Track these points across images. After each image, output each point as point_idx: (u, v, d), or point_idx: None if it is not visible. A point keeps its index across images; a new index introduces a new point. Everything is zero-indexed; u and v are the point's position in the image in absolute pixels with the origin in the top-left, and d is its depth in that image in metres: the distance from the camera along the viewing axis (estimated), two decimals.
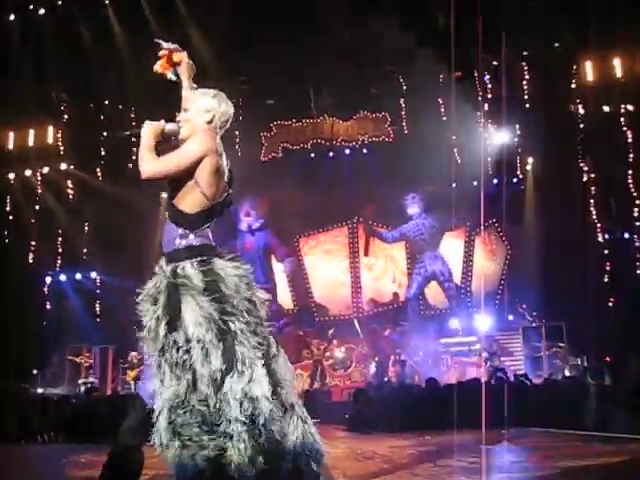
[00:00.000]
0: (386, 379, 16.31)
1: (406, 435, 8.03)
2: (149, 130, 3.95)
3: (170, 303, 3.73)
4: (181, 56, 4.24)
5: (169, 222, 3.92)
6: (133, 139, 4.22)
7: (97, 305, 20.56)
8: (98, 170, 20.61)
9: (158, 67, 4.25)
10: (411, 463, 5.14)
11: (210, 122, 4.04)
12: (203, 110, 4.05)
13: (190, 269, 3.78)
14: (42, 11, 17.19)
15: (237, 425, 3.49)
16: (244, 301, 3.80)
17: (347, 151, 21.09)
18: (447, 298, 19.79)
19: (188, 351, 3.62)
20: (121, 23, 17.75)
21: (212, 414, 3.55)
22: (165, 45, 4.25)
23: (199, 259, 3.81)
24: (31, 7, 17.06)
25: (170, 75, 4.27)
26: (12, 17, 16.82)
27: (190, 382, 3.59)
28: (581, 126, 18.23)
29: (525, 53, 19.03)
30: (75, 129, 19.78)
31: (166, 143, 4.01)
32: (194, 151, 3.88)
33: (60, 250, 19.94)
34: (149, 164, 3.85)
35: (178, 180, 3.88)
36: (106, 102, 20.36)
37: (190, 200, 3.87)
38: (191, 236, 3.88)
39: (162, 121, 4.00)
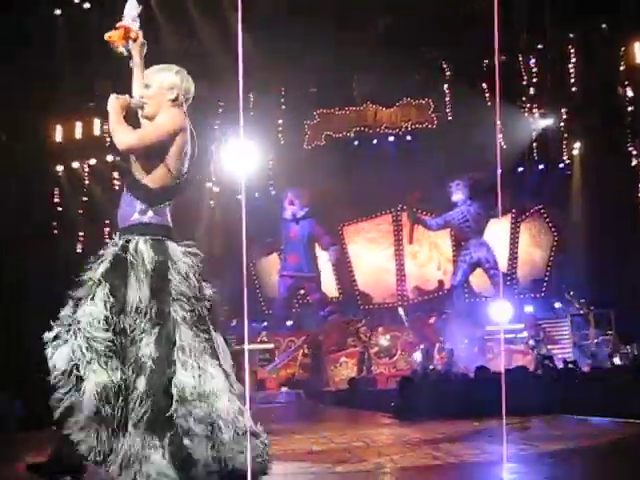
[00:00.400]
0: (431, 367, 16.26)
1: (452, 422, 8.00)
2: (116, 103, 3.84)
3: (113, 275, 3.58)
4: (138, 33, 4.18)
5: (128, 195, 3.82)
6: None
7: None
8: None
9: (112, 36, 4.17)
10: (458, 450, 5.12)
11: (175, 100, 3.96)
12: (166, 87, 3.95)
13: (142, 246, 3.66)
14: (87, 5, 17.40)
15: (183, 420, 3.36)
16: (192, 289, 3.64)
17: (391, 138, 20.97)
18: (492, 285, 19.63)
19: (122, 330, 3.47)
20: (163, 13, 17.87)
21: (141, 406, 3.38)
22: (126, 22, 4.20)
23: (154, 238, 3.72)
24: (77, 1, 17.27)
25: (121, 48, 4.19)
26: (58, 11, 17.05)
27: (118, 368, 3.44)
28: (629, 109, 17.82)
29: (571, 35, 18.65)
30: None
31: (129, 119, 3.92)
32: (172, 125, 3.83)
33: (108, 241, 20.22)
34: (126, 136, 3.75)
35: (146, 153, 3.80)
36: None
37: (154, 175, 3.77)
38: (150, 213, 3.79)
39: (127, 95, 3.94)
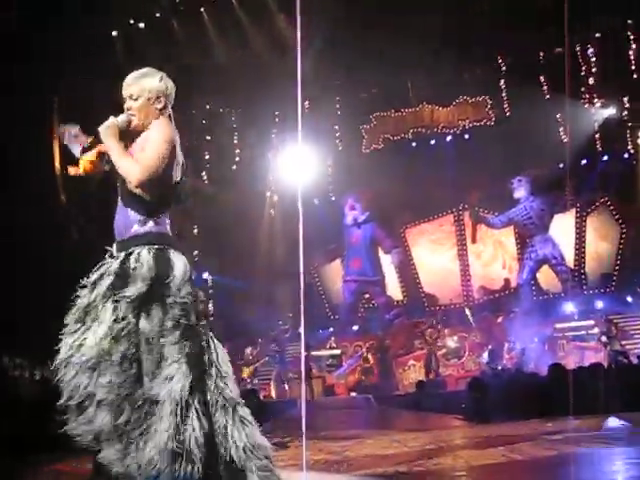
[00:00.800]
0: (500, 367, 16.04)
1: (525, 423, 7.87)
2: (109, 134, 3.67)
3: (118, 286, 3.50)
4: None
5: (124, 208, 3.70)
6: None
7: (210, 304, 21.12)
8: (204, 173, 21.18)
9: (85, 166, 3.77)
10: (533, 450, 5.03)
11: (164, 108, 3.80)
12: (154, 97, 3.78)
13: (146, 255, 3.58)
14: (141, 25, 17.80)
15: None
16: (189, 295, 3.57)
17: (448, 138, 20.83)
18: (560, 282, 19.27)
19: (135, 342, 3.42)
20: (215, 27, 18.13)
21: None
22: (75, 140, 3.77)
23: (156, 247, 3.62)
24: (131, 22, 17.67)
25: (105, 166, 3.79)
26: (114, 33, 17.49)
27: (135, 375, 3.40)
28: None
29: (629, 21, 18.20)
30: (179, 135, 20.33)
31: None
32: (167, 140, 3.70)
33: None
34: (133, 170, 3.60)
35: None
36: (207, 106, 20.92)
37: (150, 186, 3.65)
38: (150, 223, 3.68)
39: (110, 118, 3.70)
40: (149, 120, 3.76)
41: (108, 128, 3.65)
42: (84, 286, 3.57)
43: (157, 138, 3.69)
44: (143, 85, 3.78)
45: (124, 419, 3.34)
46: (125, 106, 3.76)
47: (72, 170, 3.80)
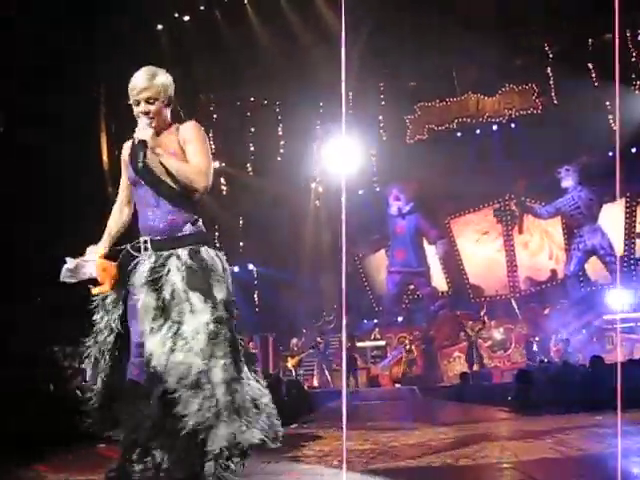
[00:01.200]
0: (546, 359, 15.84)
1: (573, 416, 7.77)
2: (157, 152, 3.59)
3: (194, 284, 3.52)
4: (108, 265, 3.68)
5: (169, 206, 3.65)
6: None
7: (255, 295, 21.26)
8: (248, 165, 21.29)
9: (104, 286, 3.66)
10: (581, 443, 4.97)
11: (170, 103, 3.76)
12: (168, 96, 3.72)
13: (210, 253, 3.65)
14: (186, 17, 17.94)
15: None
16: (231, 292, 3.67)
17: (494, 127, 20.58)
18: (609, 272, 18.95)
19: (220, 328, 3.48)
20: (260, 21, 18.17)
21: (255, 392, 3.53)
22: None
23: (208, 245, 3.69)
24: (176, 15, 17.82)
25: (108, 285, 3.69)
26: (160, 26, 17.65)
27: (231, 358, 3.48)
28: None
29: None
30: (224, 127, 20.48)
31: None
32: (206, 139, 3.75)
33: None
34: (201, 177, 3.62)
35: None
36: (252, 98, 21.02)
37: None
38: (199, 222, 3.72)
39: (140, 135, 3.56)
40: (166, 120, 3.73)
41: (153, 148, 3.56)
42: (140, 285, 3.55)
43: (198, 139, 3.70)
44: (158, 86, 3.68)
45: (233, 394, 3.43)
46: (139, 110, 3.66)
47: (97, 290, 3.68)
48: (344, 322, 13.97)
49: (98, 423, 3.64)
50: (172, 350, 3.43)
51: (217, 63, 18.55)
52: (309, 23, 17.52)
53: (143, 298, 3.55)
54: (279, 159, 21.28)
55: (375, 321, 20.47)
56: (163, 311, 3.52)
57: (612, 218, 19.32)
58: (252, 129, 21.20)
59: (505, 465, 3.57)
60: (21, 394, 4.71)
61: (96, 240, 3.79)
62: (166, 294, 3.54)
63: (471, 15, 17.86)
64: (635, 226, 19.10)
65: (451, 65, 19.94)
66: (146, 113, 3.63)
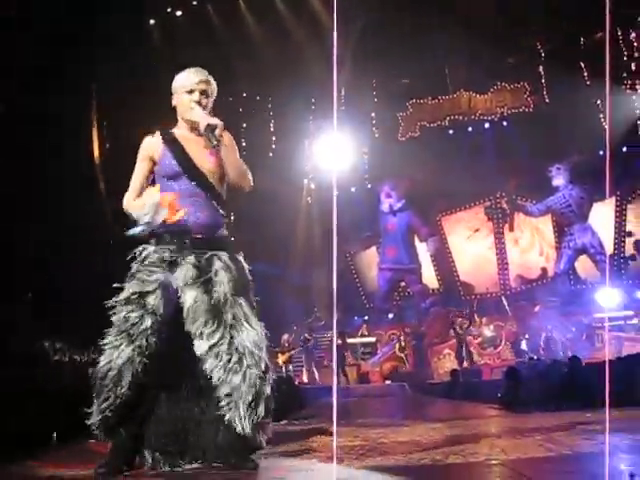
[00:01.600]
0: (535, 357, 15.91)
1: (563, 413, 7.79)
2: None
3: (239, 289, 3.59)
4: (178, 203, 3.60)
5: (211, 207, 3.68)
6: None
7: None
8: None
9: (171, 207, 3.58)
10: (572, 441, 4.99)
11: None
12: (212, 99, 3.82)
13: (242, 259, 3.77)
14: (179, 12, 17.91)
15: None
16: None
17: (486, 125, 20.67)
18: (599, 271, 19.03)
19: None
20: (253, 17, 18.15)
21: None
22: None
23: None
24: (169, 10, 17.78)
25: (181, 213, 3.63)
26: (152, 21, 17.62)
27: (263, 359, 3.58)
28: None
29: None
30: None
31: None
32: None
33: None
34: (249, 175, 3.74)
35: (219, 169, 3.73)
36: (244, 94, 20.97)
37: (224, 188, 3.79)
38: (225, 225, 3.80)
39: (213, 120, 3.60)
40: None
41: (221, 137, 3.58)
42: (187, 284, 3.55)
43: (235, 146, 3.76)
44: (213, 86, 3.79)
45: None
46: (193, 98, 3.69)
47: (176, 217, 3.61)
48: (334, 319, 14.01)
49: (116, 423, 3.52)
50: (228, 362, 3.48)
51: (209, 58, 18.52)
52: (302, 19, 17.52)
53: (193, 298, 3.53)
54: (271, 155, 21.27)
55: (365, 318, 20.50)
56: (215, 314, 3.52)
57: (602, 217, 19.41)
58: (244, 125, 21.18)
59: (494, 462, 3.59)
60: (21, 394, 4.69)
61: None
62: (218, 296, 3.54)
63: (465, 14, 17.91)
64: (625, 225, 19.19)
65: (443, 63, 19.98)
66: (199, 103, 3.69)
